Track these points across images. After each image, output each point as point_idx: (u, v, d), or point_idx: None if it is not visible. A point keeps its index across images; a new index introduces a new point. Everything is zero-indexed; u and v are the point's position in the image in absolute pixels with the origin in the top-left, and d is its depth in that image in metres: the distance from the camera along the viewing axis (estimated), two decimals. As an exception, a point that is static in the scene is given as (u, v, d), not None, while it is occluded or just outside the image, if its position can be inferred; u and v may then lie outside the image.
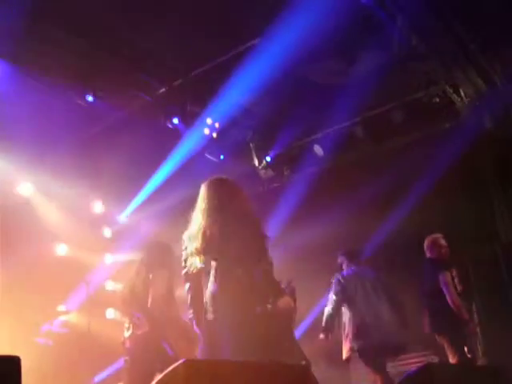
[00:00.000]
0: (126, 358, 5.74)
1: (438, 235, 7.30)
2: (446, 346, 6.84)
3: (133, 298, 5.79)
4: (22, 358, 2.77)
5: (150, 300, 5.60)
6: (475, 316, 7.77)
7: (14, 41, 6.83)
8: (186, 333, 5.67)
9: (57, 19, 7.03)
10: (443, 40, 7.77)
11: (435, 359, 7.32)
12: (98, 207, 9.80)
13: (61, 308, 8.39)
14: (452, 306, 6.80)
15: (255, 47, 7.69)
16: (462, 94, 8.82)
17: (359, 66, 7.84)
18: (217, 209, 4.51)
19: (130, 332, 5.79)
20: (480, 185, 8.78)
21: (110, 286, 9.23)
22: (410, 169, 8.76)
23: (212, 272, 4.36)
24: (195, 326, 4.52)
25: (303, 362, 4.33)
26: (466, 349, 6.71)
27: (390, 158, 9.03)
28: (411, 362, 8.69)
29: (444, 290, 6.87)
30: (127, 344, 5.75)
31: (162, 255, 5.97)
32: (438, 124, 9.23)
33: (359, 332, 6.64)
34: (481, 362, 7.30)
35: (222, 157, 10.26)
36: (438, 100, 8.86)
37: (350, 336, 6.72)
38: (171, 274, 5.87)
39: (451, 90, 8.73)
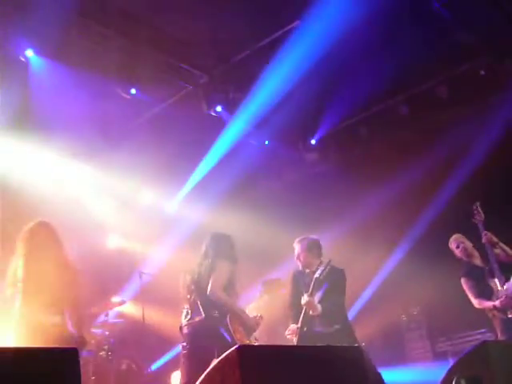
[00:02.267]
0: (184, 343, 5.83)
1: (458, 235, 7.20)
2: None
3: (195, 285, 5.92)
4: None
5: (209, 288, 5.69)
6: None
7: (59, 37, 6.96)
8: (244, 321, 5.86)
9: (99, 16, 7.15)
10: (487, 10, 7.60)
11: (492, 337, 7.21)
12: (147, 198, 9.94)
13: (115, 299, 8.53)
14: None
15: (295, 30, 7.64)
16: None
17: (401, 42, 7.69)
18: None
19: (188, 318, 5.88)
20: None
21: (163, 275, 9.34)
22: (458, 144, 8.62)
23: None
24: None
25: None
26: None
27: (436, 135, 8.89)
28: (468, 341, 8.61)
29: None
30: (185, 330, 5.84)
31: (227, 247, 6.10)
32: (484, 98, 9.02)
33: None
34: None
35: (266, 142, 10.25)
36: (483, 73, 8.66)
37: None
38: (234, 265, 5.98)
39: (497, 62, 8.52)
